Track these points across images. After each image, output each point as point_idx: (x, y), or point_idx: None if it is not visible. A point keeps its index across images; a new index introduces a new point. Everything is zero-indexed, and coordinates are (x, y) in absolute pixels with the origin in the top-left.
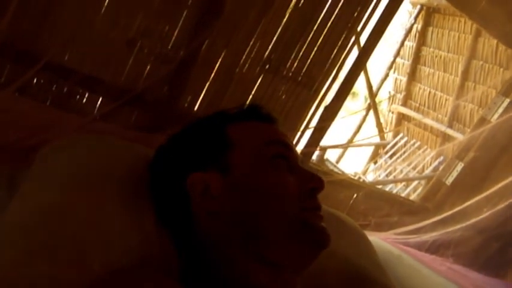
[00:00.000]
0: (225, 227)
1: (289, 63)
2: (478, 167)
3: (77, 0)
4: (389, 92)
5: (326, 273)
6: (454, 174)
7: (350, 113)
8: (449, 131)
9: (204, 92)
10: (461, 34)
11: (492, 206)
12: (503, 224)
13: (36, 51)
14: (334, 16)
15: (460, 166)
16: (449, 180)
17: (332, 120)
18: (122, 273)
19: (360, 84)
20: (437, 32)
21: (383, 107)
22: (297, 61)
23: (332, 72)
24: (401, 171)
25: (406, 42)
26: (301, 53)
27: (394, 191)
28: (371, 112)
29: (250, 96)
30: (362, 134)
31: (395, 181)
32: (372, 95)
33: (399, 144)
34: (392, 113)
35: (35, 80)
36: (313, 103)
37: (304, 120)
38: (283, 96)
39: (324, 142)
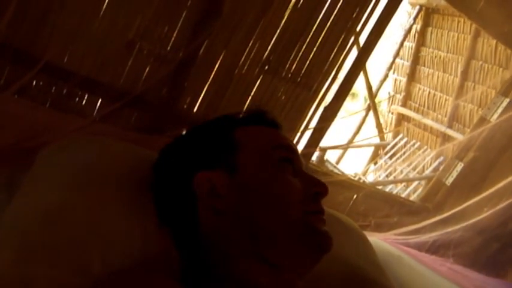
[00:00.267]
0: (228, 226)
1: (288, 64)
2: (478, 167)
3: (76, 2)
4: (389, 93)
5: (326, 274)
6: (454, 174)
7: (350, 113)
8: (449, 131)
9: (203, 93)
10: (461, 34)
11: (492, 205)
12: (503, 224)
13: (36, 52)
14: (333, 16)
15: (460, 166)
16: (449, 181)
17: (332, 121)
18: (123, 274)
19: (359, 85)
20: (437, 32)
21: (383, 107)
22: (296, 62)
23: (331, 72)
24: (401, 171)
25: (405, 43)
26: (300, 54)
27: (394, 192)
28: (371, 113)
29: (250, 97)
30: (362, 134)
31: (395, 182)
32: (372, 95)
33: (399, 145)
34: (392, 113)
35: (34, 82)
36: (312, 104)
37: (303, 120)
38: (283, 97)
39: (323, 143)
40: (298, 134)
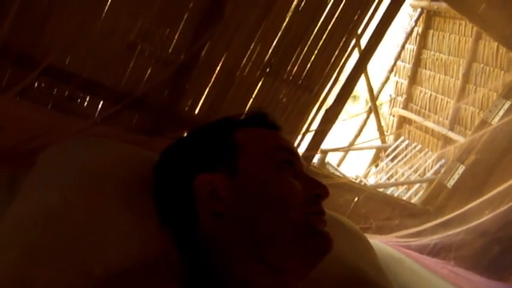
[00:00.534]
0: (229, 228)
1: (289, 67)
2: (479, 170)
3: (78, 4)
4: (390, 95)
5: (326, 277)
6: (456, 177)
7: (351, 116)
8: (451, 134)
9: (204, 95)
10: (462, 37)
11: (493, 208)
12: (505, 227)
13: (37, 55)
14: (334, 19)
15: (461, 169)
16: (451, 183)
17: (333, 124)
18: (123, 275)
19: (360, 87)
20: (438, 35)
21: (384, 110)
22: (297, 64)
23: (332, 75)
24: (402, 174)
25: (406, 45)
26: (301, 56)
27: (396, 194)
28: (372, 115)
29: (251, 100)
30: (363, 137)
31: (396, 184)
32: (373, 98)
33: (400, 147)
34: (393, 116)
35: (36, 84)
36: (313, 106)
37: (304, 123)
38: (284, 100)
39: (324, 145)
40: (300, 137)
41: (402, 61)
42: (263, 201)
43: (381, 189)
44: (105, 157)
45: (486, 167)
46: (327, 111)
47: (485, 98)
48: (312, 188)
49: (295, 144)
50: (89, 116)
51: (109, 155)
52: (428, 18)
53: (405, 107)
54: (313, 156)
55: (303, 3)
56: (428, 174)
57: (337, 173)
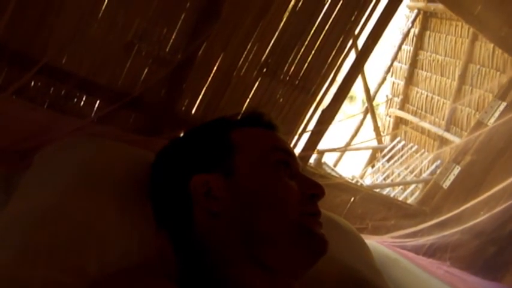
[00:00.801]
0: (224, 228)
1: (286, 67)
2: (475, 171)
3: (75, 3)
4: (387, 96)
5: (322, 277)
6: (451, 177)
7: (347, 116)
8: (447, 135)
9: (201, 95)
10: (458, 38)
11: (489, 209)
12: (500, 227)
13: (34, 54)
14: (331, 19)
15: (457, 170)
16: (447, 184)
17: (329, 124)
18: (119, 275)
19: (357, 88)
20: (435, 36)
21: (380, 110)
22: (294, 64)
23: (329, 75)
24: (398, 174)
25: (403, 46)
26: (298, 57)
27: (392, 195)
28: (368, 116)
29: (248, 100)
30: (359, 137)
31: (392, 185)
32: (370, 98)
33: (397, 148)
34: (390, 116)
35: (32, 83)
36: (310, 106)
37: (301, 123)
38: (281, 100)
39: (321, 145)
40: (296, 137)
41: (399, 62)
42: (259, 201)
43: (377, 190)
44: (101, 157)
45: (482, 168)
46: (323, 111)
47: (481, 99)
48: (308, 187)
49: (292, 145)
50: (86, 115)
51: (105, 155)
52: (425, 19)
53: (401, 107)
54: (309, 157)
55: (300, 4)
56: (425, 175)
57: (334, 173)
